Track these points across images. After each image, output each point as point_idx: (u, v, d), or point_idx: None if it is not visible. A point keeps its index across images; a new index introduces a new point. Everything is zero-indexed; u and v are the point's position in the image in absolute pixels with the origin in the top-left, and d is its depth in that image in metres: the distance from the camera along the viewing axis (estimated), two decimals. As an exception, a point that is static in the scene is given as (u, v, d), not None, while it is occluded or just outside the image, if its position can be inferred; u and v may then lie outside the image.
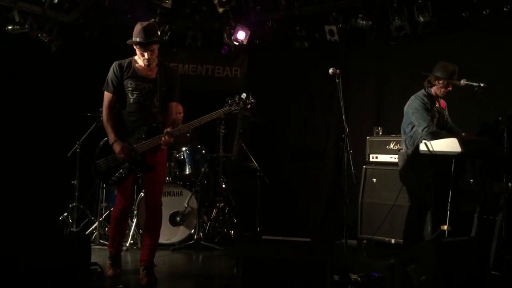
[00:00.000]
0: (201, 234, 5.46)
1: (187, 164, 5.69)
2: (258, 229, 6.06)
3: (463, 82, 4.44)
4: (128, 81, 3.95)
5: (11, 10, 5.49)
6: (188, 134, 6.03)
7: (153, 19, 3.85)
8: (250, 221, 6.12)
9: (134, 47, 3.93)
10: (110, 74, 3.99)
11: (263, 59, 7.04)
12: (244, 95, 4.07)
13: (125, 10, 6.28)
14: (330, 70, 4.10)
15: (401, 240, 4.79)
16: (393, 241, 5.37)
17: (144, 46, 3.86)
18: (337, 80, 4.09)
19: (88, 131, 5.57)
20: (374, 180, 5.70)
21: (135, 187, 5.83)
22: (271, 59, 6.97)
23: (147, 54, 3.89)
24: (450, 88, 4.54)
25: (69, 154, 5.57)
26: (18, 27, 5.59)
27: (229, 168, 6.20)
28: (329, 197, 6.57)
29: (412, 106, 4.53)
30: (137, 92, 3.95)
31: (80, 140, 5.61)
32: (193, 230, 5.48)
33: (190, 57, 7.23)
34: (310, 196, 6.74)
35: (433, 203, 4.54)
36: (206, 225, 5.82)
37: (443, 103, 4.74)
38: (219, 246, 5.42)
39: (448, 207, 4.15)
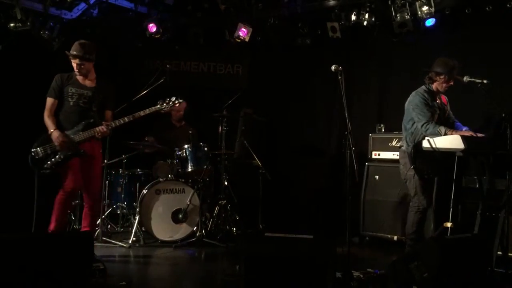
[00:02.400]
0: (203, 231, 5.47)
1: (189, 161, 5.69)
2: (260, 226, 6.06)
3: (466, 78, 4.43)
4: (69, 87, 4.52)
5: (13, 7, 5.49)
6: (190, 132, 6.04)
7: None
8: (252, 218, 6.12)
9: (71, 59, 4.51)
10: (53, 83, 4.56)
11: (265, 56, 7.03)
12: (174, 98, 4.83)
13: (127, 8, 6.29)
14: (332, 67, 4.09)
15: (403, 237, 4.78)
16: (395, 238, 5.37)
17: (78, 59, 4.47)
18: (339, 77, 4.08)
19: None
20: (377, 177, 5.69)
21: (138, 185, 5.90)
22: (273, 56, 6.96)
23: (83, 67, 4.50)
24: (451, 83, 4.53)
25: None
26: (20, 24, 5.59)
27: (231, 166, 6.19)
28: (332, 194, 6.56)
29: (413, 102, 4.52)
30: (76, 97, 4.51)
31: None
32: (195, 227, 5.49)
33: (192, 54, 7.23)
34: (312, 193, 6.73)
35: (434, 200, 4.54)
36: (209, 222, 5.82)
37: (444, 99, 4.73)
38: (221, 243, 5.42)
39: (451, 204, 4.14)
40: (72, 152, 4.42)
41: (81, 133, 4.45)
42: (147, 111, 4.72)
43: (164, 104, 4.79)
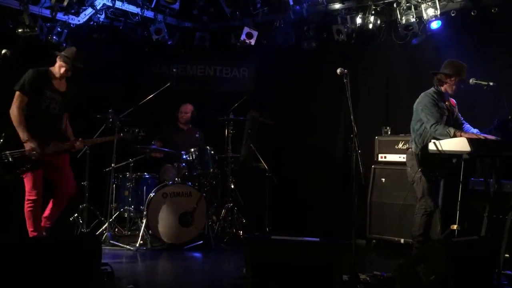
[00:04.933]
0: (210, 234, 5.48)
1: (196, 165, 5.71)
2: (267, 229, 6.07)
3: (472, 81, 4.44)
4: (45, 89, 4.42)
5: (21, 13, 5.54)
6: (197, 135, 6.07)
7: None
8: (259, 221, 6.13)
9: (61, 61, 4.49)
10: (29, 77, 4.38)
11: (270, 60, 7.04)
12: (137, 130, 5.04)
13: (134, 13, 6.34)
14: (338, 70, 4.10)
15: (410, 240, 4.77)
16: (402, 240, 5.35)
17: (73, 67, 4.48)
18: (345, 80, 4.09)
19: (98, 133, 5.61)
20: (383, 179, 5.69)
21: (145, 188, 5.93)
22: (279, 59, 6.97)
23: (69, 73, 4.52)
24: (462, 86, 4.53)
25: (79, 155, 5.61)
26: (28, 30, 5.64)
27: (237, 169, 6.21)
28: (338, 197, 6.56)
29: (422, 103, 4.52)
30: (48, 101, 4.43)
31: (90, 142, 5.67)
32: (202, 231, 5.50)
33: (198, 58, 7.26)
34: (318, 196, 6.73)
35: (441, 202, 4.53)
36: (215, 225, 5.84)
37: (453, 101, 4.72)
38: (228, 246, 5.44)
39: (458, 207, 4.13)
40: (39, 164, 4.36)
41: (51, 145, 4.41)
42: (109, 138, 4.99)
43: (128, 135, 5.02)
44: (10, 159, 4.28)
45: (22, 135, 4.29)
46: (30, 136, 4.30)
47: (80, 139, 4.59)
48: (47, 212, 4.62)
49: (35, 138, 4.33)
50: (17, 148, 4.33)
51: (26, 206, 4.41)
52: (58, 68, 4.48)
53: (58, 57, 4.55)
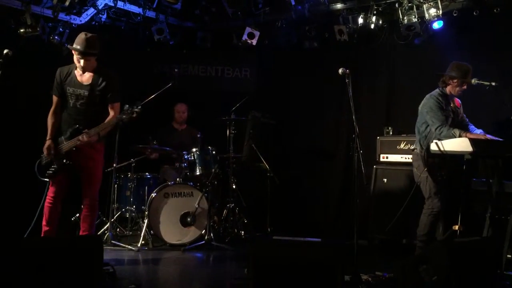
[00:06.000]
0: (211, 234, 5.48)
1: (197, 165, 5.72)
2: (269, 229, 6.07)
3: (474, 81, 4.44)
4: (67, 87, 4.37)
5: (23, 13, 5.55)
6: (198, 135, 6.07)
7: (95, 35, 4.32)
8: (261, 222, 6.13)
9: (73, 52, 4.30)
10: (55, 79, 4.42)
11: (272, 60, 7.04)
12: (127, 106, 4.44)
13: (136, 13, 6.33)
14: (340, 70, 4.10)
15: (413, 240, 4.77)
16: (404, 241, 5.35)
17: (81, 54, 4.24)
18: (346, 80, 4.09)
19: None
20: (385, 180, 5.68)
21: (146, 188, 5.93)
22: (281, 59, 6.97)
23: (83, 62, 4.27)
24: (465, 87, 4.53)
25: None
26: (30, 30, 5.64)
27: (239, 169, 6.21)
28: (340, 197, 6.56)
29: (427, 105, 4.53)
30: (74, 98, 4.36)
31: (92, 142, 5.67)
32: (204, 231, 5.50)
33: (200, 58, 7.26)
34: (320, 196, 6.73)
35: (446, 203, 4.52)
36: (217, 225, 5.84)
37: (457, 101, 4.73)
38: (229, 247, 5.43)
39: (460, 207, 4.13)
40: (57, 165, 4.35)
41: (65, 142, 4.34)
42: (110, 122, 4.43)
43: (124, 116, 4.43)
44: (44, 161, 4.39)
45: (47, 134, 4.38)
46: (50, 136, 4.36)
47: (85, 130, 4.28)
48: (82, 217, 4.59)
49: (56, 138, 4.36)
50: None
51: (45, 201, 4.45)
52: (76, 61, 4.31)
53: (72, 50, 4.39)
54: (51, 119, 4.43)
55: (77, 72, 4.37)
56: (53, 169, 4.37)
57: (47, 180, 4.40)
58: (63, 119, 4.43)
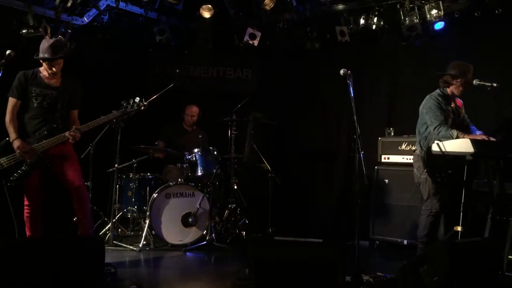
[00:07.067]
0: (213, 235, 5.49)
1: (199, 165, 5.72)
2: (270, 230, 6.07)
3: (475, 82, 4.45)
4: (32, 87, 4.30)
5: (25, 14, 5.56)
6: (200, 136, 6.08)
7: (60, 37, 4.30)
8: (262, 222, 6.14)
9: (41, 61, 4.29)
10: (16, 81, 4.32)
11: (274, 61, 7.05)
12: (137, 99, 4.53)
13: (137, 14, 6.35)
14: (341, 71, 4.10)
15: (414, 241, 4.77)
16: (405, 242, 5.35)
17: (51, 62, 4.24)
18: (348, 81, 4.09)
19: (101, 133, 5.63)
20: (386, 181, 5.69)
21: (148, 189, 5.93)
22: (282, 60, 6.98)
23: (55, 68, 4.29)
24: (467, 87, 4.53)
25: (83, 155, 5.61)
26: (32, 30, 5.65)
27: (240, 169, 6.22)
28: (341, 198, 6.56)
29: (426, 106, 4.53)
30: (40, 98, 4.30)
31: (94, 142, 5.69)
32: (205, 231, 5.51)
33: (201, 59, 7.26)
34: (321, 197, 6.74)
35: (447, 204, 4.52)
36: (218, 226, 5.85)
37: (459, 102, 4.72)
38: (231, 247, 5.44)
39: (461, 208, 4.13)
40: (35, 161, 4.17)
41: (44, 141, 4.19)
42: (111, 116, 4.47)
43: (129, 107, 4.46)
44: (5, 165, 4.12)
45: (10, 136, 4.22)
46: (16, 135, 4.20)
47: (73, 127, 4.26)
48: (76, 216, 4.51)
49: (23, 138, 4.21)
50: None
51: (25, 212, 4.35)
52: (47, 69, 4.31)
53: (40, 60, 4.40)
54: (13, 121, 4.26)
55: (43, 75, 4.35)
56: (22, 171, 4.15)
57: (12, 185, 4.14)
58: (26, 122, 4.29)
